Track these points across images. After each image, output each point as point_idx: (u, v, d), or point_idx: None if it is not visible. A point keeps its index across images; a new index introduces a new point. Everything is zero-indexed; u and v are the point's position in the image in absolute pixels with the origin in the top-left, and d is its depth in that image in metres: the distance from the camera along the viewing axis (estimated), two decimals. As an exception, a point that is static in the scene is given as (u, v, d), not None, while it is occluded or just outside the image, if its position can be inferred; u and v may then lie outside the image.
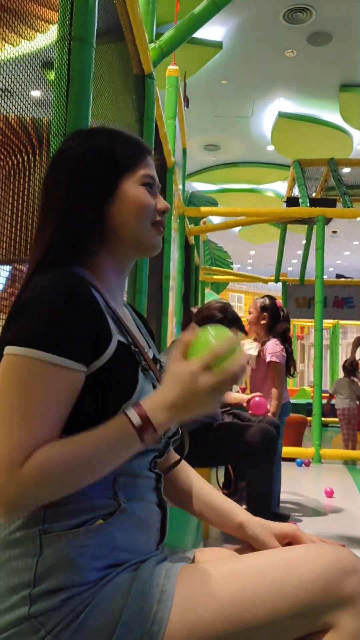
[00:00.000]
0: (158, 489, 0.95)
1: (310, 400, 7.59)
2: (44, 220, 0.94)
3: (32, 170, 1.83)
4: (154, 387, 0.92)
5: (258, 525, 1.01)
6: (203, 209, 6.76)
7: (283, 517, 3.12)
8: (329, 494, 4.15)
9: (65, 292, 0.81)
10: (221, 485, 3.18)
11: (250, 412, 2.92)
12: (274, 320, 3.49)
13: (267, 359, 3.35)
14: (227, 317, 2.74)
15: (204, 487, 1.08)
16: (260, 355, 3.45)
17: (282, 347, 3.39)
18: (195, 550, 1.01)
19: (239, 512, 1.04)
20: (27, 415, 0.76)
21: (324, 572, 0.81)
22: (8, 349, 0.79)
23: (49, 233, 0.92)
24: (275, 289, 9.15)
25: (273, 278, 8.82)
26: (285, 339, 3.48)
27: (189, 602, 0.80)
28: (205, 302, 2.80)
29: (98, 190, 0.93)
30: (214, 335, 0.83)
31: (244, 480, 3.03)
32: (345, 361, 6.78)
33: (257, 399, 2.78)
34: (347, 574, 0.81)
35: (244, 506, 2.99)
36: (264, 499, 2.76)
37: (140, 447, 0.81)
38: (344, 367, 6.75)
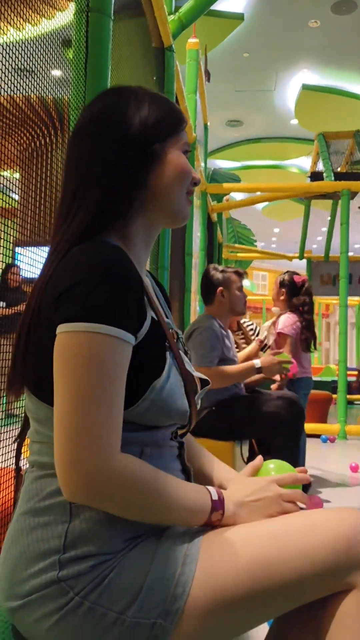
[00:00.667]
0: (181, 456, 0.96)
1: (336, 378, 7.55)
2: (84, 186, 0.89)
3: (55, 149, 1.83)
4: (176, 363, 0.92)
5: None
6: (225, 185, 6.70)
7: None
8: (354, 469, 4.15)
9: (115, 267, 0.80)
10: (245, 460, 3.20)
11: (283, 375, 2.91)
12: (292, 295, 3.51)
13: (277, 330, 3.39)
14: (220, 270, 2.85)
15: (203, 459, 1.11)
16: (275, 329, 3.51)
17: (295, 320, 3.41)
18: None
19: (222, 472, 1.08)
20: (106, 394, 0.76)
21: (346, 534, 0.82)
22: (65, 327, 0.77)
23: (92, 200, 0.88)
24: (300, 267, 9.05)
25: (297, 255, 8.73)
26: (304, 312, 3.48)
27: (213, 565, 0.81)
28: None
29: (146, 153, 0.91)
30: (277, 469, 0.97)
31: (268, 455, 3.05)
32: None
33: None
34: None
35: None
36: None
37: (200, 524, 0.85)
38: None
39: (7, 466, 1.52)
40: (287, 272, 3.64)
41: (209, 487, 0.86)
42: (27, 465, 0.91)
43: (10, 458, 1.46)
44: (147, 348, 0.84)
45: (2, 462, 1.58)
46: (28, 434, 0.93)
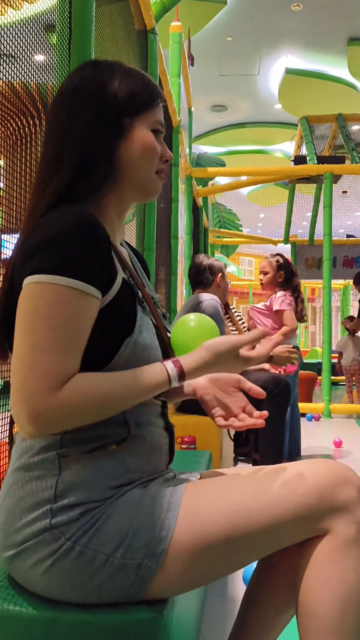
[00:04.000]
0: (164, 414, 1.02)
1: (321, 360, 7.68)
2: (59, 154, 0.92)
3: (39, 136, 1.84)
4: (151, 320, 0.97)
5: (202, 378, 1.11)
6: (210, 169, 6.72)
7: None
8: (338, 444, 4.27)
9: (84, 227, 0.84)
10: (232, 437, 3.28)
11: (282, 370, 3.05)
12: (288, 276, 3.72)
13: (275, 308, 3.53)
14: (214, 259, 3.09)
15: None
16: (269, 309, 3.65)
17: (288, 297, 3.62)
18: (202, 472, 1.09)
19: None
20: (59, 341, 0.80)
21: (319, 482, 0.88)
22: (31, 278, 0.81)
23: (65, 168, 0.91)
24: (285, 251, 9.12)
25: (282, 240, 8.80)
26: (297, 291, 3.76)
27: (195, 511, 0.88)
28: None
29: (115, 126, 0.93)
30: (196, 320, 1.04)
31: (254, 432, 3.13)
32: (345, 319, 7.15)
33: None
34: (340, 484, 0.89)
35: (256, 455, 3.09)
36: (276, 447, 2.84)
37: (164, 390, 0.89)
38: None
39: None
40: (276, 254, 3.78)
41: (167, 366, 0.88)
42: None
43: (4, 431, 1.52)
44: (118, 307, 0.89)
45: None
46: None
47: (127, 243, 1.13)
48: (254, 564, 1.06)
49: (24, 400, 0.79)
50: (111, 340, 0.88)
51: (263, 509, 0.87)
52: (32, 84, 1.78)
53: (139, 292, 0.96)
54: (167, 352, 0.99)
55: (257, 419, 1.00)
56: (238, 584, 1.79)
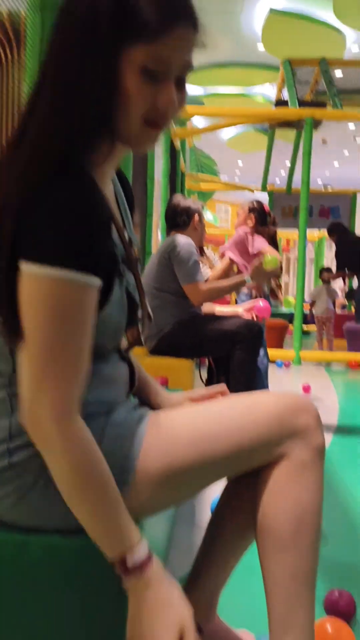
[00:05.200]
0: (116, 347, 0.99)
1: (293, 309, 7.77)
2: (42, 80, 0.82)
3: (10, 66, 1.74)
4: (127, 290, 0.92)
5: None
6: (189, 108, 6.52)
7: None
8: (307, 389, 4.39)
9: (86, 206, 0.76)
10: (205, 381, 3.32)
11: (255, 315, 3.01)
12: (261, 222, 3.64)
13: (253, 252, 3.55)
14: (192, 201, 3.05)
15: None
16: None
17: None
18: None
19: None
20: (70, 345, 0.77)
21: (280, 410, 0.93)
22: (35, 268, 0.74)
23: (46, 96, 0.80)
24: (262, 199, 9.04)
25: (260, 187, 8.70)
26: (274, 242, 3.68)
27: (160, 440, 0.90)
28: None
29: (100, 59, 0.78)
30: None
31: (225, 375, 3.18)
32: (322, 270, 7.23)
33: (261, 303, 2.87)
34: (299, 411, 0.94)
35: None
36: (248, 390, 2.90)
37: (108, 554, 0.81)
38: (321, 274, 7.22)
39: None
40: (256, 200, 3.77)
41: (143, 541, 0.81)
42: None
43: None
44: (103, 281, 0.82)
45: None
46: None
47: (117, 172, 1.03)
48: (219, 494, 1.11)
49: (34, 408, 0.77)
50: None
51: (228, 435, 0.91)
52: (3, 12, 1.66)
53: (130, 255, 0.91)
54: (136, 313, 0.95)
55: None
56: (206, 512, 1.85)
